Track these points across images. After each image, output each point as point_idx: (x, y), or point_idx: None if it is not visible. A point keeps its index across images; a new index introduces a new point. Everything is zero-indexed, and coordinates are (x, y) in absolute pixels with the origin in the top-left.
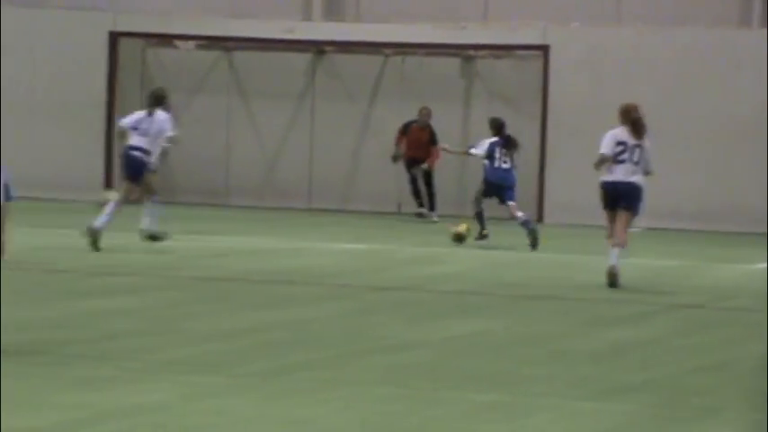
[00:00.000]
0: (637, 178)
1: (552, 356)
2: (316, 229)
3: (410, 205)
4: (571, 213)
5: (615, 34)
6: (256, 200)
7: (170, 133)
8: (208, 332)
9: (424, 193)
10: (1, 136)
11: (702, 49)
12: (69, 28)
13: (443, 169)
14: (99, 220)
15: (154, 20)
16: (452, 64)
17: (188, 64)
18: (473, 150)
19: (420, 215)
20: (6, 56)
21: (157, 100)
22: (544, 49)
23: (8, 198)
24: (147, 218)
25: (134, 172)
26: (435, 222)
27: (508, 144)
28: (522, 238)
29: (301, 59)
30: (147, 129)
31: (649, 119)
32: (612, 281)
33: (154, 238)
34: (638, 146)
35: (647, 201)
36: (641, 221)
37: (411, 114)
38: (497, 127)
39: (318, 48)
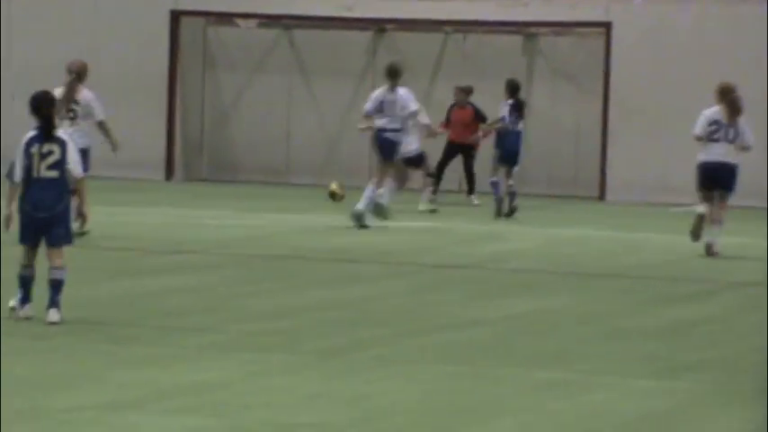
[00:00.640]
0: (732, 158)
1: (613, 334)
2: None
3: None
4: (633, 191)
5: (678, 11)
6: (317, 178)
7: (413, 108)
8: (269, 310)
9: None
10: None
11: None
12: (131, 7)
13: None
14: (361, 203)
15: None
16: (514, 41)
17: (249, 42)
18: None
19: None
20: (69, 35)
21: (395, 74)
22: (606, 26)
23: (85, 170)
24: (372, 197)
25: (389, 153)
26: (477, 206)
27: (520, 107)
28: (582, 214)
29: (362, 37)
30: (391, 107)
31: (711, 98)
32: (709, 253)
33: (381, 214)
34: (733, 125)
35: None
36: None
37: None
38: (513, 89)
39: (379, 25)
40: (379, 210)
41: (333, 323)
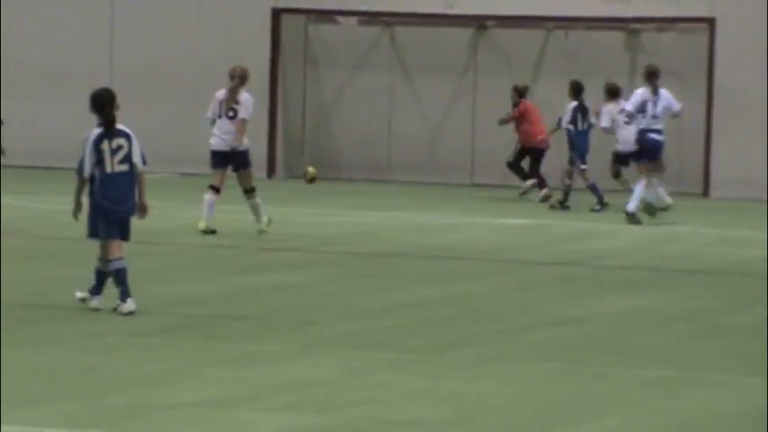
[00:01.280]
0: None
1: (717, 332)
2: (478, 204)
3: (576, 180)
4: (737, 188)
5: None
6: (418, 175)
7: (676, 108)
8: (371, 308)
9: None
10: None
11: None
12: (233, 5)
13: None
14: (632, 203)
15: None
16: (616, 38)
17: (350, 39)
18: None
19: (524, 192)
20: (172, 33)
21: (655, 75)
22: (710, 21)
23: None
24: (645, 195)
25: (654, 154)
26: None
27: (584, 109)
28: (685, 211)
29: (463, 34)
30: (654, 109)
31: None
32: None
33: (651, 211)
34: None
35: None
36: None
37: None
38: (577, 90)
39: (480, 22)
40: (649, 208)
41: (436, 320)
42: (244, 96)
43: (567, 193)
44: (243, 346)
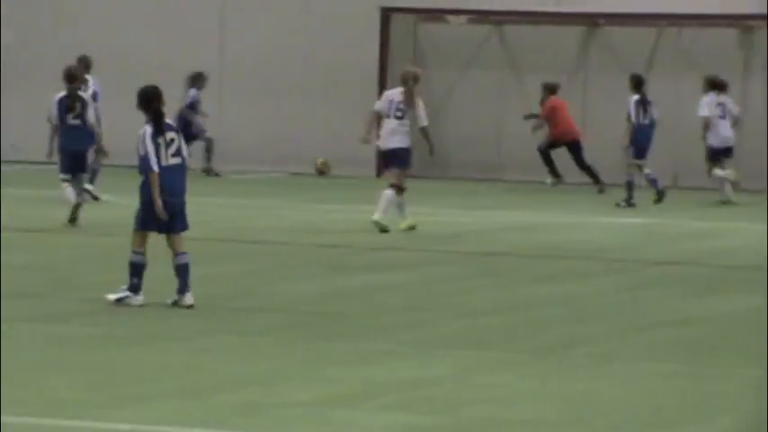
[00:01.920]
0: None
1: None
2: (589, 202)
3: (687, 178)
4: None
5: None
6: (528, 174)
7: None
8: (482, 307)
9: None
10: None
11: None
12: (343, 4)
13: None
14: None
15: None
16: (730, 35)
17: (459, 39)
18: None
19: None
20: (281, 32)
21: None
22: None
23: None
24: None
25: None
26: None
27: (645, 102)
28: None
29: (573, 32)
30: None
31: None
32: None
33: None
34: None
35: None
36: None
37: (687, 87)
38: (638, 84)
39: (591, 20)
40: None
41: (546, 320)
42: (419, 101)
43: (630, 189)
44: (354, 345)
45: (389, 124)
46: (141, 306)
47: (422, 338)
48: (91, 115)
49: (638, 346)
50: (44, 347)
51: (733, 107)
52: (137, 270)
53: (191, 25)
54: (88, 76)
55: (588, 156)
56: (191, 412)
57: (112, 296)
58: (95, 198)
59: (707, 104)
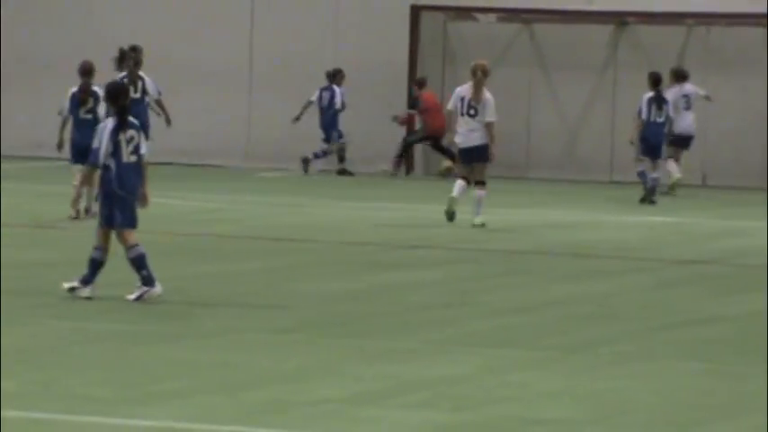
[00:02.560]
0: None
1: None
2: (618, 201)
3: (716, 177)
4: None
5: None
6: (557, 172)
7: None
8: (508, 305)
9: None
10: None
11: None
12: (372, 2)
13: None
14: None
15: None
16: (759, 34)
17: (489, 37)
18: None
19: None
20: (311, 30)
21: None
22: None
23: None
24: None
25: None
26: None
27: (660, 100)
28: None
29: (603, 31)
30: None
31: None
32: None
33: None
34: None
35: None
36: None
37: (715, 86)
38: (656, 82)
39: (620, 19)
40: None
41: (574, 319)
42: (486, 96)
43: (653, 188)
44: (382, 343)
45: (465, 122)
46: (89, 298)
47: (448, 336)
48: (102, 110)
49: (664, 344)
50: (70, 345)
51: (698, 93)
52: (94, 265)
53: (220, 22)
54: (141, 73)
55: (617, 153)
56: (219, 409)
57: (67, 284)
58: None
59: (671, 95)
